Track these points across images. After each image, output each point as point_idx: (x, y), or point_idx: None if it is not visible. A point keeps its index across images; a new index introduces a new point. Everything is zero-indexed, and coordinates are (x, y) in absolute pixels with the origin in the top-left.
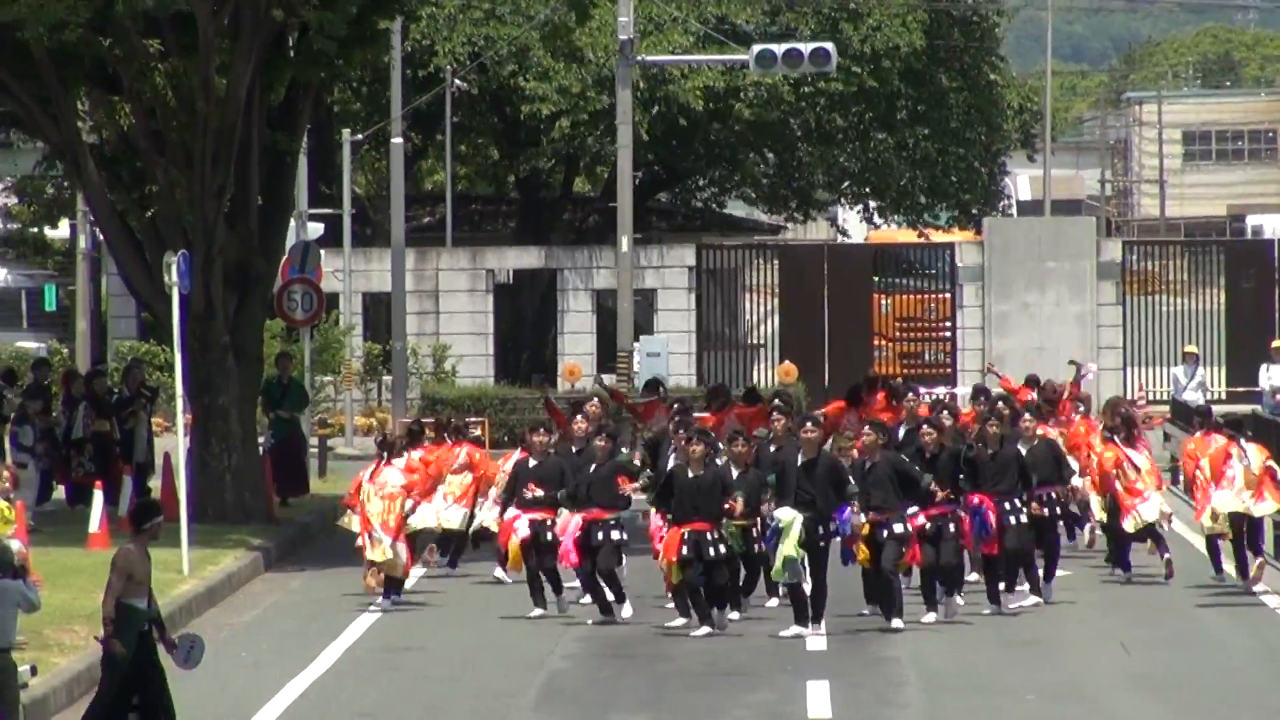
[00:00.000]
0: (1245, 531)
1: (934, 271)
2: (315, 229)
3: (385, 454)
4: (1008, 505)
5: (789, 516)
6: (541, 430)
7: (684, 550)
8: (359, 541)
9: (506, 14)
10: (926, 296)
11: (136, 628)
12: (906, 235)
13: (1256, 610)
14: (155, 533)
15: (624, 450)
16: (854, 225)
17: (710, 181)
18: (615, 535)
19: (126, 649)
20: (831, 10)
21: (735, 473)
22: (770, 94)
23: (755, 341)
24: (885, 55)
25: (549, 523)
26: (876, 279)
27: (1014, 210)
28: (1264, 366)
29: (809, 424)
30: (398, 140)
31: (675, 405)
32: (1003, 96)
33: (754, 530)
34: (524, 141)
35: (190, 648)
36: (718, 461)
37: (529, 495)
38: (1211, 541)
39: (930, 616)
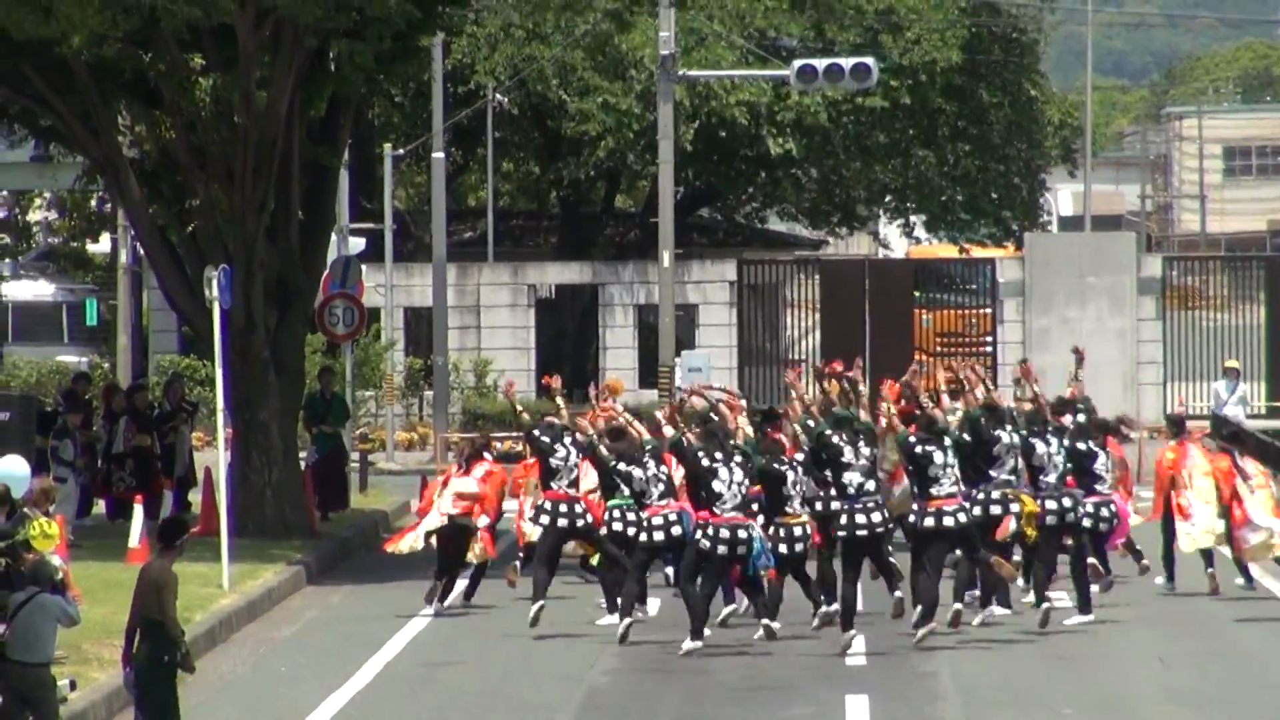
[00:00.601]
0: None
1: (975, 287)
2: (356, 244)
3: (464, 464)
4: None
5: None
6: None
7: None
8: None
9: (548, 33)
10: (967, 312)
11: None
12: (948, 250)
13: None
14: (183, 550)
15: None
16: (895, 240)
17: (751, 197)
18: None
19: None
20: (872, 23)
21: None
22: (802, 120)
23: (796, 357)
24: (923, 70)
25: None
26: (917, 294)
27: (1054, 226)
28: None
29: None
30: (439, 155)
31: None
32: (1043, 112)
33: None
34: (565, 156)
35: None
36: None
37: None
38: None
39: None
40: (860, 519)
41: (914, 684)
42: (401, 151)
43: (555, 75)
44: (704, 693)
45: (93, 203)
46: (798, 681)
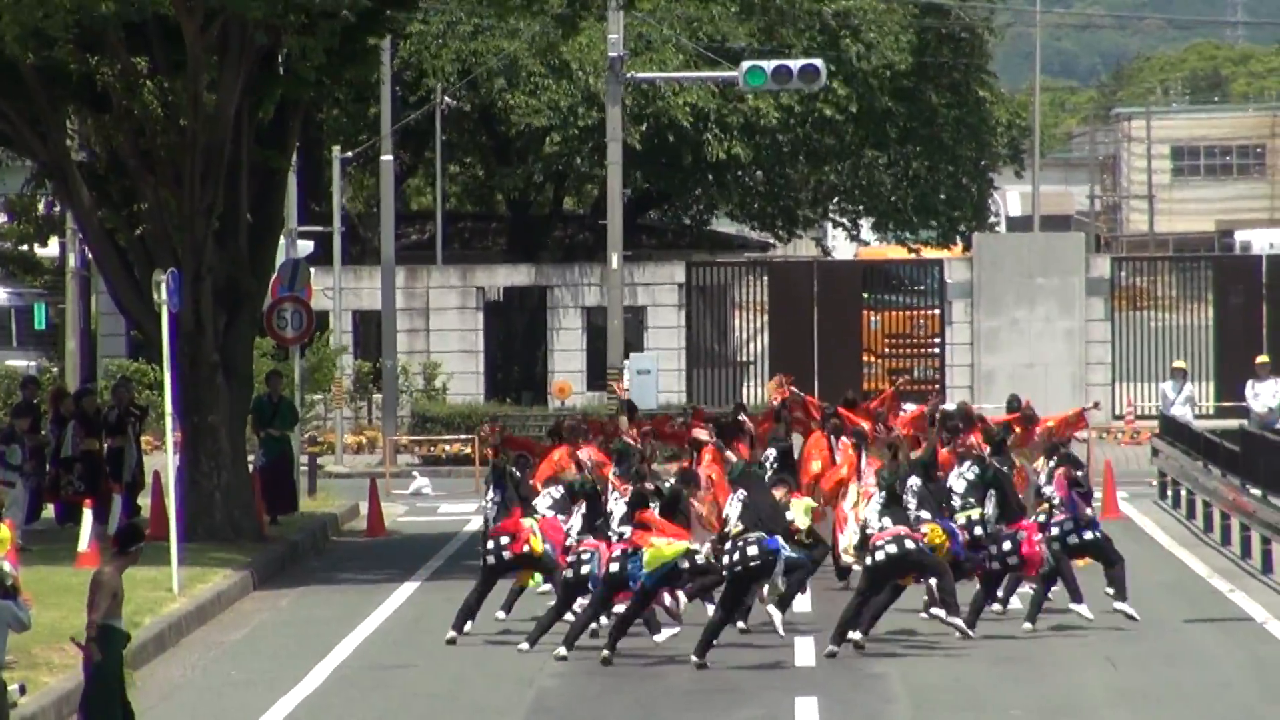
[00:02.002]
0: None
1: (923, 288)
2: (305, 247)
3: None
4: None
5: None
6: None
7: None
8: None
9: (494, 31)
10: (915, 313)
11: (118, 648)
12: (896, 252)
13: (1244, 625)
14: (136, 558)
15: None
16: (841, 243)
17: (697, 199)
18: None
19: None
20: (827, 26)
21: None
22: (752, 123)
23: (745, 358)
24: (875, 76)
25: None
26: (866, 295)
27: (1003, 226)
28: (1249, 383)
29: None
30: (388, 158)
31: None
32: (992, 113)
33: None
34: (514, 160)
35: None
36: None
37: None
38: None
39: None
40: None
41: (863, 686)
42: (350, 155)
43: (501, 74)
44: (653, 696)
45: (41, 207)
46: (747, 684)
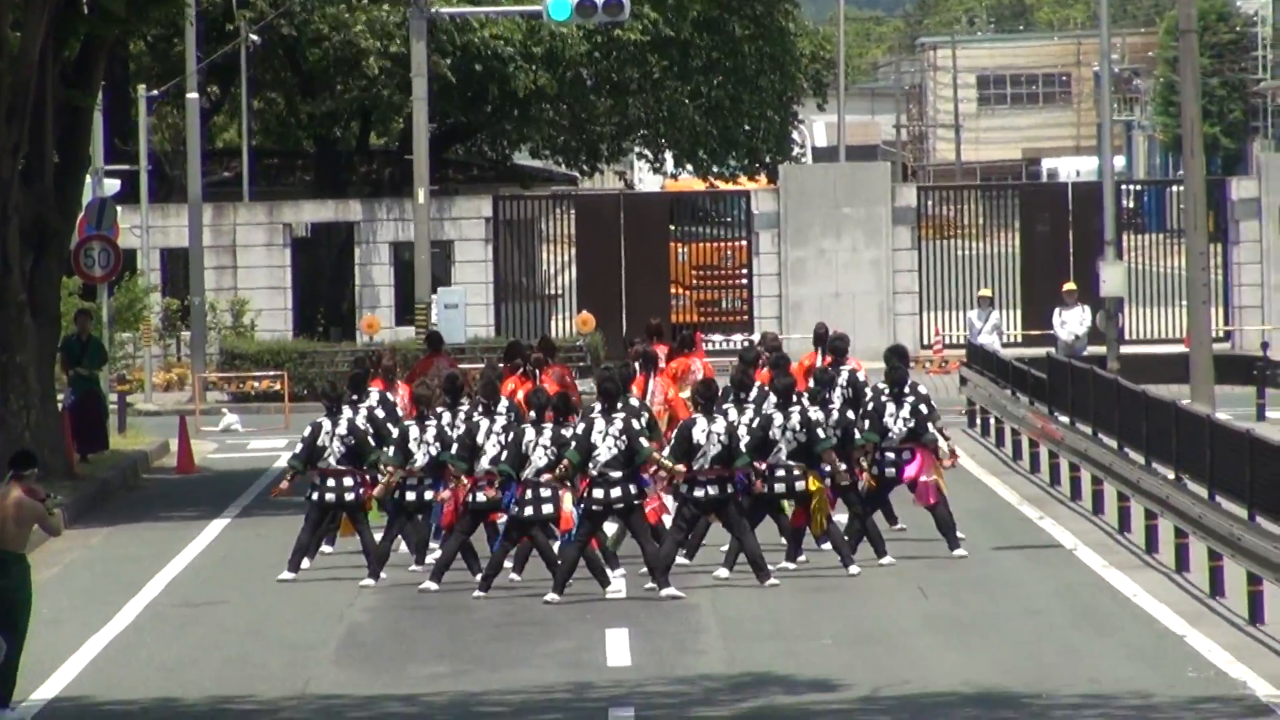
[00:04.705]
0: None
1: (730, 220)
2: (112, 185)
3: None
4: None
5: None
6: None
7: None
8: None
9: None
10: (723, 245)
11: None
12: (701, 185)
13: (1054, 552)
14: (34, 480)
15: None
16: (647, 177)
17: (503, 134)
18: None
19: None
20: None
21: None
22: (556, 53)
23: (553, 292)
24: (675, 8)
25: None
26: (673, 227)
27: (809, 157)
28: (1056, 310)
29: None
30: (193, 96)
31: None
32: (796, 44)
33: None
34: (319, 93)
35: None
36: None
37: None
38: None
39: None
40: (598, 493)
41: (674, 617)
42: (156, 93)
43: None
44: (464, 629)
45: None
46: (558, 617)
